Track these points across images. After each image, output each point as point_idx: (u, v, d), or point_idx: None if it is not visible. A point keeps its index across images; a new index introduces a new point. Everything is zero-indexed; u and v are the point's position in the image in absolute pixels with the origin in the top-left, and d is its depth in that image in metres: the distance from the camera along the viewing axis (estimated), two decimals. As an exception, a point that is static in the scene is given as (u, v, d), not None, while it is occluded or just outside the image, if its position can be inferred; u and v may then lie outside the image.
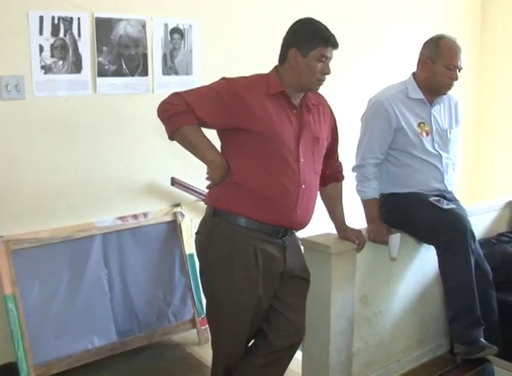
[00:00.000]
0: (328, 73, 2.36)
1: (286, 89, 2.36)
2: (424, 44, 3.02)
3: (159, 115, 2.35)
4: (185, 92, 2.33)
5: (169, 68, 3.71)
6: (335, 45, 2.34)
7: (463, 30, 5.41)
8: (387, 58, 4.92)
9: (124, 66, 3.54)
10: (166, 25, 3.67)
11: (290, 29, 2.38)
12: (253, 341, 2.55)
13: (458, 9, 5.51)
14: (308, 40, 2.30)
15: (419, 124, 2.97)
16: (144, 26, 3.58)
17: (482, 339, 2.90)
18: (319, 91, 2.51)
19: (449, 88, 3.00)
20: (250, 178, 2.33)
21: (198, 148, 2.36)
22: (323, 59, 2.32)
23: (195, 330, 3.78)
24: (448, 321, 3.07)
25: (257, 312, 2.42)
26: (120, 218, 3.58)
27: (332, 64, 2.38)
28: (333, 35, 2.33)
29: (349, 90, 4.59)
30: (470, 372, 2.99)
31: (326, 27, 2.34)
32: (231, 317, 2.41)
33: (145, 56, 3.61)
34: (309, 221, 2.48)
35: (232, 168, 2.35)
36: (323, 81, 2.38)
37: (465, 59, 2.96)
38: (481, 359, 2.95)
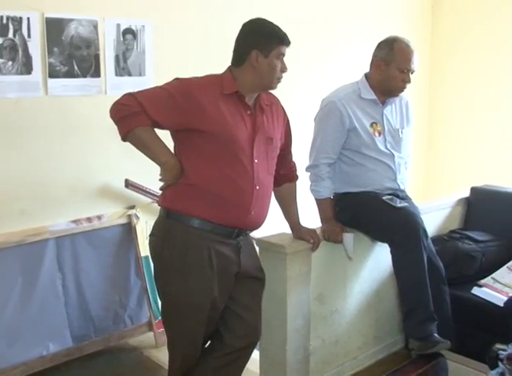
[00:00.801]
0: (286, 71, 2.41)
1: (241, 90, 2.36)
2: (378, 45, 3.04)
3: (112, 116, 2.33)
4: (138, 92, 2.31)
5: (122, 69, 3.68)
6: (289, 44, 2.40)
7: (414, 30, 5.50)
8: (340, 58, 4.97)
9: (76, 68, 3.49)
10: (118, 25, 3.64)
11: (245, 30, 2.39)
12: (209, 342, 2.55)
13: (409, 10, 5.60)
14: (268, 40, 2.34)
15: (371, 125, 3.00)
16: (96, 26, 3.54)
17: (436, 334, 2.96)
18: (273, 91, 2.53)
19: (402, 91, 3.04)
20: (203, 179, 2.32)
21: (151, 149, 2.34)
22: (281, 58, 2.37)
23: (152, 333, 3.76)
24: (403, 317, 3.11)
25: (213, 314, 2.42)
26: (74, 221, 3.52)
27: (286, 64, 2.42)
28: (286, 33, 2.38)
29: (302, 90, 4.61)
30: (425, 367, 3.04)
31: (279, 27, 2.39)
32: (186, 319, 2.41)
33: (97, 56, 3.56)
34: (263, 221, 2.49)
35: (185, 169, 2.34)
36: (281, 79, 2.42)
37: (417, 62, 2.99)
38: (435, 353, 3.01)
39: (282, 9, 4.35)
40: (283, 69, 2.39)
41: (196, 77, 2.39)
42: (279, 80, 2.41)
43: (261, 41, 2.33)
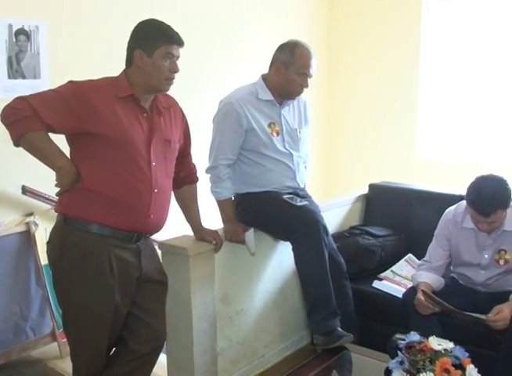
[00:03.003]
0: (176, 71, 2.36)
1: (136, 92, 2.33)
2: (279, 48, 3.07)
3: (2, 121, 2.25)
4: (30, 96, 2.24)
5: (15, 71, 3.54)
6: (180, 43, 2.35)
7: (312, 33, 5.64)
8: (238, 60, 5.01)
9: (-35, 70, 3.34)
10: (10, 26, 3.50)
11: (133, 31, 2.36)
12: (114, 349, 2.51)
13: (307, 13, 5.72)
14: (152, 39, 2.30)
15: (269, 125, 3.03)
16: (-14, 27, 3.40)
17: (339, 328, 3.02)
18: (171, 93, 2.51)
19: (299, 95, 3.10)
20: (100, 183, 2.28)
21: (45, 154, 2.28)
22: (170, 57, 2.32)
23: (56, 344, 3.64)
24: (307, 314, 3.16)
25: (116, 320, 2.38)
26: (-32, 231, 3.38)
27: (183, 66, 2.40)
28: (177, 33, 2.34)
29: (201, 92, 4.61)
30: (330, 361, 3.09)
31: (169, 26, 2.35)
32: (89, 327, 2.36)
33: (-12, 58, 3.43)
34: (163, 224, 2.48)
35: (82, 174, 2.29)
36: (172, 79, 2.38)
37: (316, 67, 3.05)
38: (339, 347, 3.06)
39: (180, 9, 4.34)
40: (173, 69, 2.34)
41: (91, 80, 2.34)
42: (168, 80, 2.36)
43: (144, 41, 2.30)
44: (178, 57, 2.36)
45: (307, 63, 3.00)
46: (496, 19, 5.25)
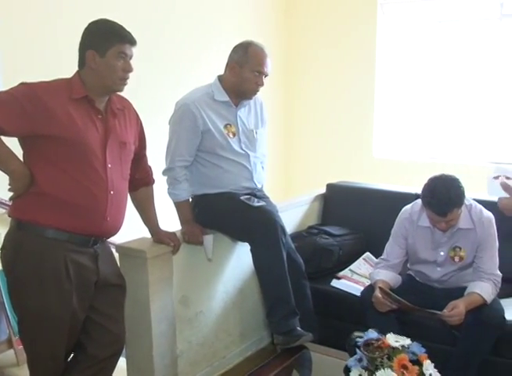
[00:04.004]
0: (130, 70, 2.34)
1: (90, 93, 2.31)
2: (234, 49, 3.08)
3: (-48, 124, 2.19)
4: (-20, 98, 2.19)
5: (-36, 73, 3.47)
6: (132, 42, 2.33)
7: (270, 34, 5.66)
8: (194, 60, 5.00)
9: None
10: (-41, 26, 3.43)
11: (84, 31, 2.33)
12: (72, 354, 2.48)
13: (264, 15, 5.75)
14: (104, 39, 2.27)
15: (225, 126, 3.03)
16: None
17: (298, 328, 3.04)
18: (126, 94, 2.49)
19: (255, 94, 3.10)
20: (55, 186, 2.25)
21: None
22: (123, 56, 2.30)
23: (12, 351, 3.55)
24: (266, 314, 3.18)
25: (74, 326, 2.36)
26: None
27: (138, 66, 2.38)
28: (130, 32, 2.33)
29: (156, 93, 4.59)
30: (290, 360, 3.11)
31: (121, 26, 2.33)
32: (46, 333, 2.33)
33: None
34: (120, 227, 2.46)
35: (36, 177, 2.25)
36: (127, 79, 2.36)
37: (271, 66, 3.06)
38: (299, 346, 3.08)
39: (134, 9, 4.31)
40: (126, 69, 2.31)
41: (44, 82, 2.30)
42: (123, 80, 2.34)
43: (96, 41, 2.28)
44: (131, 57, 2.33)
45: (261, 61, 3.02)
46: (449, 20, 5.38)
